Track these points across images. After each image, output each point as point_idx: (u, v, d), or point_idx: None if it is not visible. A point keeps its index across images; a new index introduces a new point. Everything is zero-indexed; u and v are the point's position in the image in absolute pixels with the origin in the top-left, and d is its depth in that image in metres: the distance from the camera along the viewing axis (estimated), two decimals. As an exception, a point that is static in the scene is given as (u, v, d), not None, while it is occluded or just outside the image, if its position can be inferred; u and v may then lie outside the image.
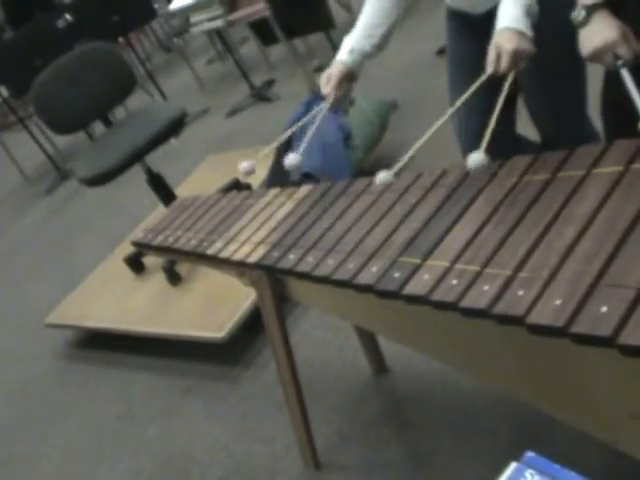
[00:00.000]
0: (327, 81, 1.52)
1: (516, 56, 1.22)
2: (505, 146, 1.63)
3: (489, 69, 1.25)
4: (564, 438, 1.36)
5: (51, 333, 2.81)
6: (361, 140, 2.70)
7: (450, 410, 1.65)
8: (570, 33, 1.22)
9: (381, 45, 1.55)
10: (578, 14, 1.18)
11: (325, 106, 1.55)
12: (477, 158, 1.11)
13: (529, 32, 1.24)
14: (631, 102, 1.08)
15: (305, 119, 1.57)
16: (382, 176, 1.23)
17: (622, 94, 1.10)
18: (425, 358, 1.23)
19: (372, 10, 1.55)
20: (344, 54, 1.53)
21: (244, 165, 1.54)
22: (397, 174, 1.24)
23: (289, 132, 1.64)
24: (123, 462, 2.04)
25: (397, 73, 3.38)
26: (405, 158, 1.21)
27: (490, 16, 1.52)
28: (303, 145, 1.44)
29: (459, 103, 1.24)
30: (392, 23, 1.54)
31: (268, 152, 1.62)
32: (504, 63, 1.22)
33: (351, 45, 1.53)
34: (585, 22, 1.17)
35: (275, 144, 1.63)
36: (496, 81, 1.25)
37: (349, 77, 1.53)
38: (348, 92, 1.55)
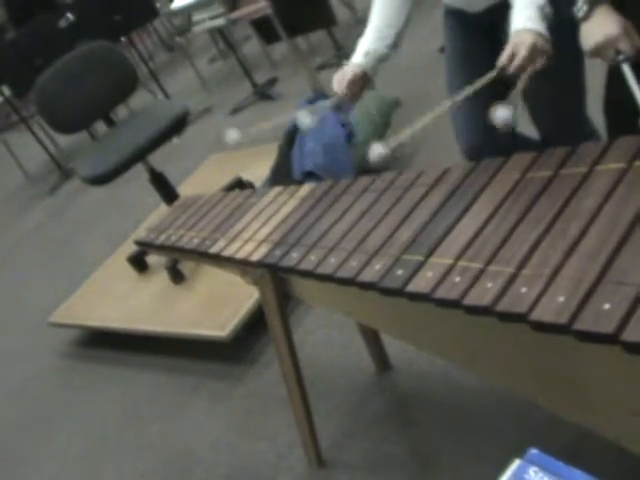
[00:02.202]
0: (339, 80, 1.49)
1: (534, 51, 1.19)
2: (504, 144, 1.63)
3: (499, 63, 1.22)
4: (568, 435, 1.35)
5: (54, 332, 2.82)
6: (364, 138, 2.70)
7: (453, 408, 1.65)
8: (570, 29, 1.22)
9: (396, 44, 1.52)
10: (580, 9, 1.18)
11: (328, 103, 1.52)
12: (377, 149, 1.17)
13: (546, 33, 1.21)
14: (633, 98, 1.08)
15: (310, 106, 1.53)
16: (376, 148, 1.19)
17: (624, 90, 1.10)
18: (428, 356, 1.23)
19: (383, 10, 1.52)
20: (359, 56, 1.50)
21: (230, 133, 1.50)
22: (392, 147, 1.20)
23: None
24: (127, 461, 2.04)
25: (400, 71, 3.37)
26: (404, 135, 1.19)
27: (488, 14, 1.52)
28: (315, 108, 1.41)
29: (465, 94, 1.22)
30: (404, 20, 1.52)
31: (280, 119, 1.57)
32: (520, 57, 1.19)
33: (366, 48, 1.50)
34: (587, 17, 1.17)
35: (277, 119, 1.60)
36: (499, 82, 1.24)
37: (363, 79, 1.50)
38: (359, 93, 1.51)
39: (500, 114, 1.10)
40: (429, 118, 1.18)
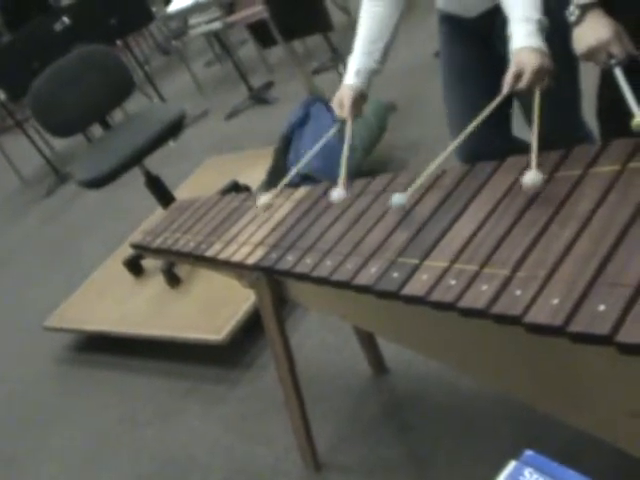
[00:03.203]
0: (340, 106, 1.50)
1: (540, 73, 1.19)
2: (500, 147, 1.63)
3: (505, 89, 1.21)
4: (565, 437, 1.36)
5: (50, 336, 2.81)
6: (360, 142, 2.70)
7: (450, 410, 1.65)
8: (564, 33, 1.22)
9: (385, 57, 1.52)
10: (572, 13, 1.19)
11: (343, 127, 1.51)
12: (398, 199, 1.15)
13: (545, 48, 1.21)
14: (625, 102, 1.09)
15: (319, 145, 1.53)
16: (397, 199, 1.16)
17: (618, 93, 1.10)
18: (424, 359, 1.23)
19: (369, 23, 1.52)
20: (351, 77, 1.50)
21: (263, 200, 1.47)
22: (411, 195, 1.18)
23: (296, 169, 1.59)
24: (124, 465, 2.04)
25: (395, 75, 3.38)
26: (418, 181, 1.18)
27: (483, 19, 1.52)
28: (341, 177, 1.38)
29: (472, 127, 1.21)
30: (391, 32, 1.51)
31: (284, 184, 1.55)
32: (525, 80, 1.19)
33: (356, 67, 1.50)
34: (579, 21, 1.18)
35: (288, 178, 1.57)
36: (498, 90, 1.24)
37: (360, 98, 1.51)
38: (360, 112, 1.52)
39: (529, 179, 1.03)
40: (441, 159, 1.18)
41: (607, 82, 1.22)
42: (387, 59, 1.53)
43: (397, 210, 1.18)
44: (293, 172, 1.54)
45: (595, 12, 1.16)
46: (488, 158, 1.19)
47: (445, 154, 1.19)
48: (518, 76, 1.20)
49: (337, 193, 1.31)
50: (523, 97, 1.51)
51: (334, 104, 1.52)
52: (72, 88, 2.77)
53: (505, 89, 1.22)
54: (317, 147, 1.50)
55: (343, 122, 1.50)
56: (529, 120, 1.66)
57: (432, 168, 1.19)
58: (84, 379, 2.55)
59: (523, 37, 1.22)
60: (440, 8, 1.62)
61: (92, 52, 2.88)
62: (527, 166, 1.05)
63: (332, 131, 1.52)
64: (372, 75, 1.52)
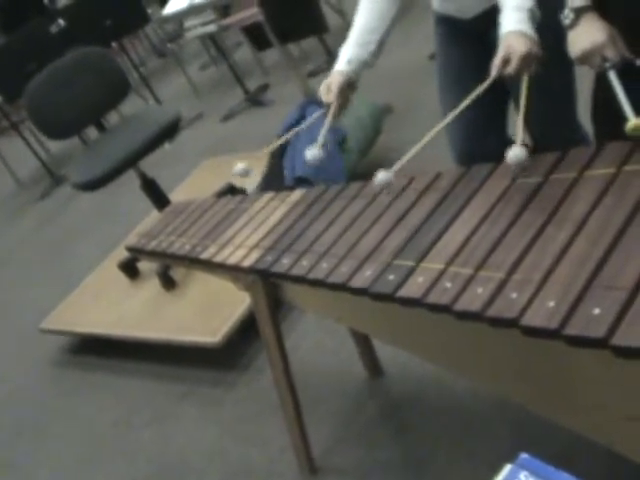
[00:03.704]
0: (327, 91, 1.49)
1: (527, 59, 1.20)
2: (496, 148, 1.63)
3: (494, 72, 1.22)
4: (565, 438, 1.36)
5: (45, 339, 2.80)
6: (355, 144, 2.70)
7: (447, 412, 1.65)
8: (559, 36, 1.23)
9: (378, 51, 1.51)
10: (566, 17, 1.19)
11: (324, 113, 1.51)
12: (383, 176, 1.16)
13: (534, 35, 1.23)
14: (619, 105, 1.09)
15: (303, 126, 1.54)
16: (381, 176, 1.19)
17: (612, 96, 1.11)
18: (421, 360, 1.23)
19: (366, 15, 1.51)
20: (342, 64, 1.49)
21: (239, 167, 1.51)
22: (396, 173, 1.20)
23: (289, 134, 1.60)
24: (119, 468, 2.03)
25: (391, 77, 3.38)
26: (404, 159, 1.19)
27: (478, 21, 1.53)
28: (321, 139, 1.40)
29: (461, 107, 1.22)
30: (387, 26, 1.51)
31: (271, 148, 1.57)
32: (514, 65, 1.19)
33: (349, 55, 1.49)
34: (573, 25, 1.18)
35: (278, 142, 1.59)
36: (495, 83, 1.24)
37: (349, 86, 1.50)
38: (348, 101, 1.52)
39: (514, 154, 1.05)
40: (428, 137, 1.18)
41: (602, 85, 1.22)
42: (380, 53, 1.52)
43: (382, 187, 1.19)
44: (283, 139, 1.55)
45: (589, 15, 1.17)
46: (483, 158, 1.19)
47: (435, 130, 1.20)
48: (506, 61, 1.21)
49: (311, 152, 1.35)
50: (515, 91, 1.52)
51: (321, 89, 1.50)
52: (68, 90, 2.77)
53: (493, 72, 1.22)
54: (303, 125, 1.51)
55: (329, 108, 1.48)
56: (526, 124, 1.66)
57: (421, 145, 1.19)
58: (79, 381, 2.54)
59: (513, 22, 1.23)
60: (436, 10, 1.62)
61: (88, 54, 2.88)
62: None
63: (316, 115, 1.52)
64: (363, 67, 1.50)
